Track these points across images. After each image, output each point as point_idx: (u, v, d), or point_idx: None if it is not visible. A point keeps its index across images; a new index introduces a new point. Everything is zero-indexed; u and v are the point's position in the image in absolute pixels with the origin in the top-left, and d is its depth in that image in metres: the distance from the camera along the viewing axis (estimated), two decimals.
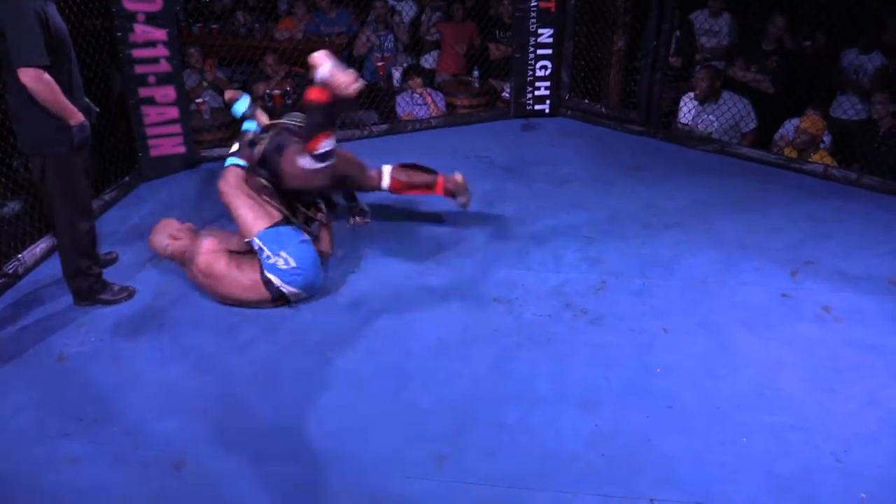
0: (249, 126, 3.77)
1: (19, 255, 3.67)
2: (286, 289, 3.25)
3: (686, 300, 3.38)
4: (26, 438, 2.61)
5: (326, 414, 2.71)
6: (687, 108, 5.25)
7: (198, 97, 5.51)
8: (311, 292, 3.37)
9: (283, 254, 3.23)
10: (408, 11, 6.93)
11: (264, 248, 3.23)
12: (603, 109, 5.65)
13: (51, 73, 2.84)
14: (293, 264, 3.23)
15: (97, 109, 3.36)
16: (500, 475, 2.43)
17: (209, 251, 3.26)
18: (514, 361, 2.97)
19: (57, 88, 2.86)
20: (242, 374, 2.93)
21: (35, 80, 2.79)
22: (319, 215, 3.59)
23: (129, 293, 3.43)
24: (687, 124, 5.25)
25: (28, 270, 3.66)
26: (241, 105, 3.85)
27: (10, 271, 3.57)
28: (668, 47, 5.19)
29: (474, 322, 3.23)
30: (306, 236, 3.39)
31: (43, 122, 2.94)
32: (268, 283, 3.23)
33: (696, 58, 5.77)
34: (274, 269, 3.22)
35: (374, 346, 3.08)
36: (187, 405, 2.76)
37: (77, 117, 2.97)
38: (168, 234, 3.31)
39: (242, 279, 3.26)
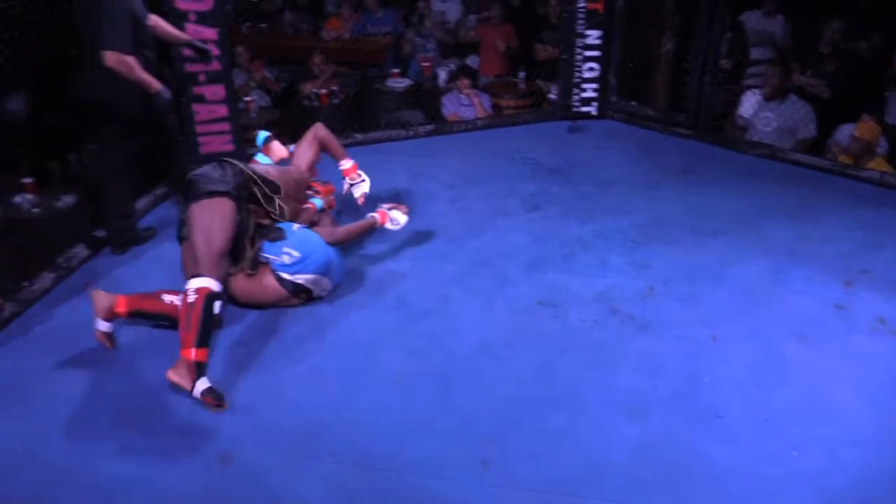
0: (259, 158, 3.78)
1: (72, 249, 3.76)
2: (300, 279, 3.26)
3: (735, 308, 3.32)
4: (77, 428, 2.67)
5: (371, 414, 2.72)
6: (749, 103, 5.13)
7: (246, 96, 5.58)
8: (333, 278, 3.37)
9: (284, 249, 3.24)
10: (455, 12, 6.93)
11: (267, 256, 3.25)
12: (650, 112, 5.58)
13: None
14: (296, 255, 3.23)
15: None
16: (544, 481, 2.41)
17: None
18: (560, 366, 2.95)
19: (137, 66, 3.38)
20: (289, 372, 2.95)
21: (117, 61, 3.32)
22: (309, 204, 3.60)
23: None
24: (746, 119, 5.13)
25: (81, 263, 3.75)
26: (259, 139, 3.88)
27: (65, 264, 3.66)
28: (719, 49, 5.10)
29: (519, 325, 3.21)
30: (300, 224, 3.41)
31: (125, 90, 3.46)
32: (281, 280, 3.26)
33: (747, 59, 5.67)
34: (282, 267, 3.24)
35: (419, 346, 3.08)
36: (234, 400, 2.79)
37: (155, 85, 3.49)
38: None
39: (259, 287, 3.26)
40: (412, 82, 6.21)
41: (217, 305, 2.89)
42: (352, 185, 3.81)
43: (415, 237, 3.93)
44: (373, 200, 3.87)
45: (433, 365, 2.97)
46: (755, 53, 5.82)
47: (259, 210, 3.28)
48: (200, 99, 4.68)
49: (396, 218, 3.62)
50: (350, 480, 2.43)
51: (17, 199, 4.20)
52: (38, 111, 4.43)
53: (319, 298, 3.37)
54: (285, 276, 3.24)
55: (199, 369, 2.76)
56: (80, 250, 3.78)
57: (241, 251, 3.20)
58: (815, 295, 3.39)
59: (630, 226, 4.05)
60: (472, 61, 6.51)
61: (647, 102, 5.69)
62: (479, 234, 4.01)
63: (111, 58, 3.31)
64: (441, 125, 5.68)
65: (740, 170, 4.81)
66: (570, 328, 3.19)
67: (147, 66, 3.51)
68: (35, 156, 3.93)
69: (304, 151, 3.69)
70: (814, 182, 4.60)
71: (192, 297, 2.83)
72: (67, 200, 4.27)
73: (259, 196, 3.26)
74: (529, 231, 4.03)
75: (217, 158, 3.32)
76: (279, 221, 3.34)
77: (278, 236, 3.25)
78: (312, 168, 3.72)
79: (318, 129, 3.75)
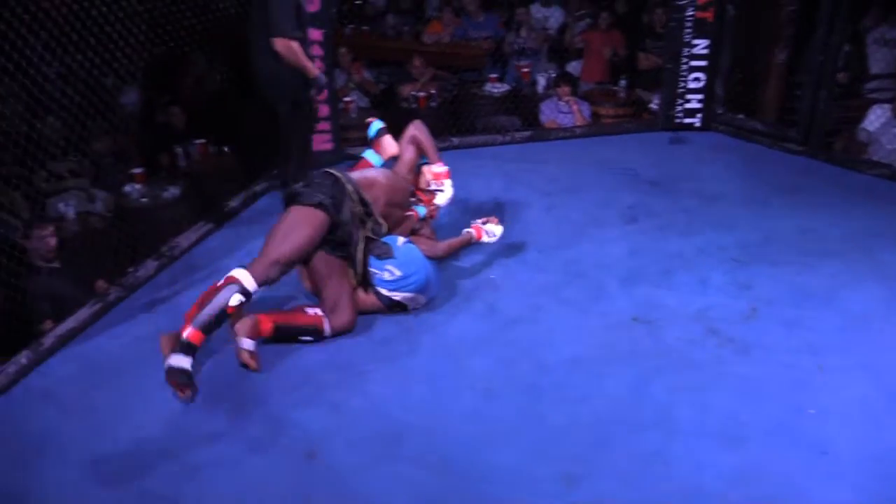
0: (369, 156, 3.72)
1: (176, 238, 3.89)
2: (398, 296, 3.24)
3: (845, 337, 3.11)
4: (172, 412, 2.75)
5: (456, 420, 2.69)
6: (875, 116, 4.83)
7: (345, 96, 5.67)
8: (429, 294, 3.33)
9: (387, 266, 3.20)
10: (558, 18, 6.85)
11: (371, 270, 3.22)
12: (759, 126, 5.34)
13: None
14: (398, 273, 3.20)
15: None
16: None
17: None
18: (653, 386, 2.84)
19: (300, 51, 3.72)
20: (377, 371, 2.96)
21: (284, 47, 3.64)
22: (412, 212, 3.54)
23: None
24: (870, 134, 4.84)
25: (183, 252, 3.88)
26: (371, 129, 3.80)
27: (167, 252, 3.79)
28: (836, 62, 4.84)
29: (612, 340, 3.12)
30: (405, 238, 3.36)
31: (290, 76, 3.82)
32: (378, 295, 3.25)
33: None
34: (381, 283, 3.22)
35: (509, 355, 3.03)
36: (322, 396, 2.81)
37: (314, 72, 3.87)
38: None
39: (357, 297, 3.26)
40: (510, 87, 6.17)
41: (235, 298, 2.83)
42: (435, 190, 3.68)
43: (507, 245, 3.88)
44: (465, 204, 3.84)
45: (522, 375, 2.92)
46: (876, 67, 5.50)
47: (364, 226, 3.25)
48: None
49: (492, 230, 3.57)
50: (431, 486, 2.41)
51: (127, 188, 4.40)
52: (149, 105, 4.64)
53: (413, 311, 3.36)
54: (384, 291, 3.23)
55: (183, 347, 2.75)
56: (183, 240, 3.91)
57: (352, 264, 3.21)
58: None
59: (733, 243, 3.87)
60: (572, 68, 6.41)
61: (756, 115, 5.45)
62: (574, 244, 3.92)
63: (280, 44, 3.63)
64: (538, 131, 5.62)
65: (855, 189, 4.54)
66: (665, 347, 3.07)
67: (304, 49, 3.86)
68: (145, 148, 4.10)
69: (404, 153, 3.64)
70: None
71: (220, 282, 2.89)
72: (174, 192, 4.44)
73: (359, 213, 3.22)
74: (626, 244, 3.91)
75: (323, 168, 3.32)
76: (380, 237, 3.29)
77: (386, 253, 3.21)
78: (412, 170, 3.66)
79: (414, 128, 3.61)
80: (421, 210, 3.59)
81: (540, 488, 2.38)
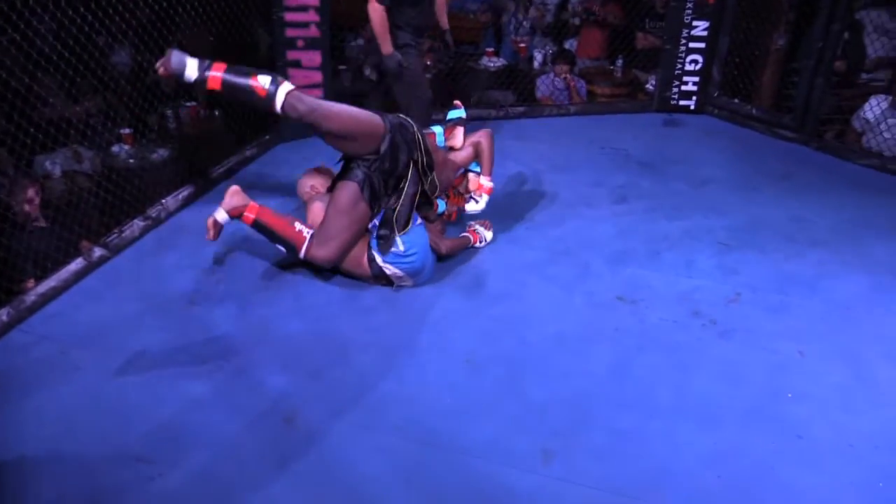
0: (437, 132, 3.65)
1: (163, 200, 3.86)
2: (389, 270, 3.23)
3: (827, 324, 3.13)
4: (153, 375, 2.75)
5: (437, 391, 2.70)
6: (873, 104, 4.82)
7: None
8: (417, 280, 3.31)
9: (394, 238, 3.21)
10: None
11: (374, 234, 3.22)
12: (753, 111, 5.33)
13: (392, 13, 3.87)
14: (401, 249, 3.19)
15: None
16: (608, 481, 2.34)
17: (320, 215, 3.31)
18: (634, 365, 2.85)
19: (381, 22, 3.82)
20: (361, 340, 2.96)
21: (372, 10, 3.78)
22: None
23: None
24: (866, 122, 4.83)
25: (170, 215, 3.85)
26: (452, 113, 3.76)
27: (154, 215, 3.76)
28: (836, 50, 4.81)
29: (595, 319, 3.13)
30: (421, 219, 3.36)
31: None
32: (371, 260, 3.23)
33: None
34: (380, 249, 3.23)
35: (492, 330, 3.04)
36: (304, 363, 2.82)
37: (387, 49, 3.91)
38: (310, 185, 3.56)
39: (353, 254, 3.25)
40: (506, 62, 6.11)
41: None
42: (470, 197, 3.72)
43: (496, 221, 3.86)
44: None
45: (505, 350, 2.92)
46: (873, 55, 5.46)
47: (424, 177, 3.29)
48: (296, 64, 4.73)
49: (484, 235, 3.64)
50: (410, 456, 2.42)
51: (115, 148, 4.35)
52: (139, 66, 4.57)
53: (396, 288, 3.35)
54: (377, 258, 3.22)
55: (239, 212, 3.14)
56: (171, 202, 3.88)
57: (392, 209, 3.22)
58: None
59: (721, 227, 3.88)
60: (569, 45, 6.35)
61: (751, 101, 5.43)
62: (562, 222, 3.92)
63: (369, 5, 3.79)
64: (532, 107, 5.58)
65: (846, 179, 4.54)
66: (648, 327, 3.08)
67: (414, 30, 4.02)
68: (134, 108, 4.04)
69: (462, 150, 3.66)
70: None
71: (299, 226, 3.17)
72: (162, 153, 4.39)
73: (422, 163, 3.25)
74: (615, 224, 3.91)
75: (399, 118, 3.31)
76: (430, 197, 3.35)
77: (385, 247, 3.20)
78: (460, 168, 3.68)
79: (485, 135, 3.67)
80: (442, 204, 3.60)
81: (517, 461, 2.40)
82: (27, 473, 2.31)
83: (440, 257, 3.45)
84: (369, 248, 3.24)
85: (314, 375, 2.76)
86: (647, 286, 3.36)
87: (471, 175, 3.71)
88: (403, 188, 3.20)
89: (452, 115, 3.73)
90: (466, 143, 3.65)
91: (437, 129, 3.66)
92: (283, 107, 2.93)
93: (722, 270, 3.50)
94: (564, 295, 3.29)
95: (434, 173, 3.34)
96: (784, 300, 3.28)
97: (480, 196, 3.66)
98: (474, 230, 3.64)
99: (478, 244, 3.62)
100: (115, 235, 3.54)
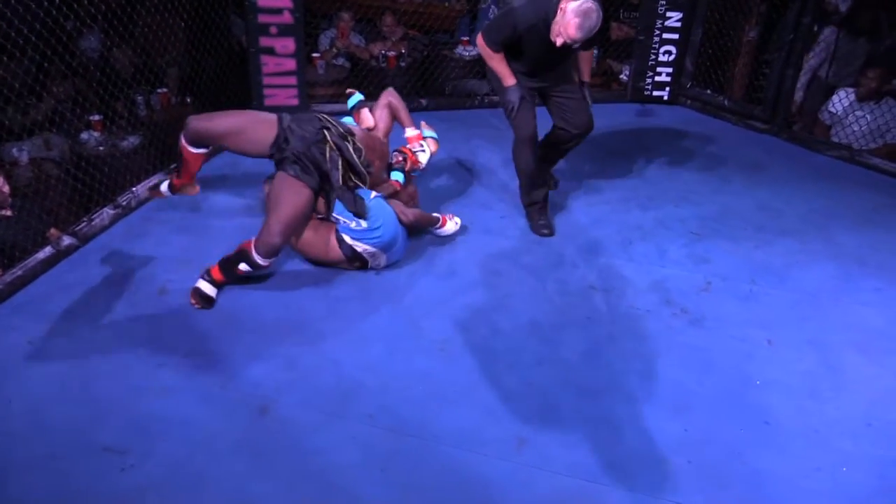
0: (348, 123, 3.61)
1: (133, 188, 3.81)
2: (360, 247, 3.24)
3: (795, 313, 3.19)
4: (123, 365, 2.72)
5: (410, 380, 2.71)
6: (839, 99, 4.89)
7: (332, 59, 5.59)
8: (392, 255, 3.33)
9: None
10: None
11: (338, 217, 3.22)
12: (725, 102, 5.38)
13: (509, 55, 3.52)
14: (364, 225, 3.21)
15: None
16: (579, 467, 2.37)
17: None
18: (606, 353, 2.88)
19: (495, 57, 3.51)
20: (333, 329, 2.95)
21: (481, 47, 3.51)
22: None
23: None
24: (834, 115, 4.89)
25: (140, 203, 3.80)
26: (351, 100, 3.77)
27: (124, 203, 3.72)
28: (806, 42, 4.87)
29: (568, 307, 3.15)
30: (378, 193, 3.36)
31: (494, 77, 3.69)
32: (340, 241, 3.24)
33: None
34: (346, 230, 3.23)
35: (465, 318, 3.05)
36: (277, 352, 2.81)
37: (508, 82, 3.54)
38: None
39: (319, 241, 3.26)
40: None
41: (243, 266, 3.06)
42: (414, 152, 3.75)
43: (470, 209, 3.88)
44: (430, 167, 3.81)
45: (478, 338, 2.94)
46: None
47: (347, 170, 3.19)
48: (270, 51, 4.69)
49: (449, 229, 3.65)
50: (383, 444, 2.43)
51: (84, 135, 4.27)
52: (109, 51, 4.50)
53: (372, 269, 3.35)
54: (346, 238, 3.22)
55: (208, 276, 3.07)
56: (141, 190, 3.83)
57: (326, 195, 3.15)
58: (884, 307, 3.24)
59: (693, 217, 3.92)
60: None
61: (723, 92, 5.48)
62: None
63: (479, 41, 3.54)
64: None
65: (815, 170, 4.61)
66: (620, 315, 3.11)
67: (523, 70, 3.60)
68: (104, 95, 3.98)
69: (380, 120, 3.63)
70: (893, 189, 4.38)
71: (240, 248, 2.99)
72: (133, 141, 4.33)
73: (349, 154, 3.14)
74: (588, 213, 3.93)
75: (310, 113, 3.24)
76: (362, 184, 3.24)
77: (360, 211, 3.17)
78: (387, 135, 3.66)
79: (390, 95, 3.66)
80: (400, 176, 3.58)
81: (490, 449, 2.42)
82: None
83: (409, 230, 3.45)
84: (336, 231, 3.24)
85: (287, 365, 2.75)
86: (619, 275, 3.38)
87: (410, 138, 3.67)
88: (328, 170, 3.07)
89: (352, 101, 3.74)
90: (378, 111, 3.64)
91: (346, 120, 3.65)
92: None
93: (693, 259, 3.54)
94: (537, 283, 3.31)
95: (363, 153, 3.22)
96: (753, 289, 3.33)
97: (421, 145, 3.63)
98: (446, 218, 3.64)
99: (441, 232, 3.62)
100: (85, 224, 3.49)
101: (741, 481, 2.35)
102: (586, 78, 3.92)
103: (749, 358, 2.90)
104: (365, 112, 3.65)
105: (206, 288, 3.05)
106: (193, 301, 3.04)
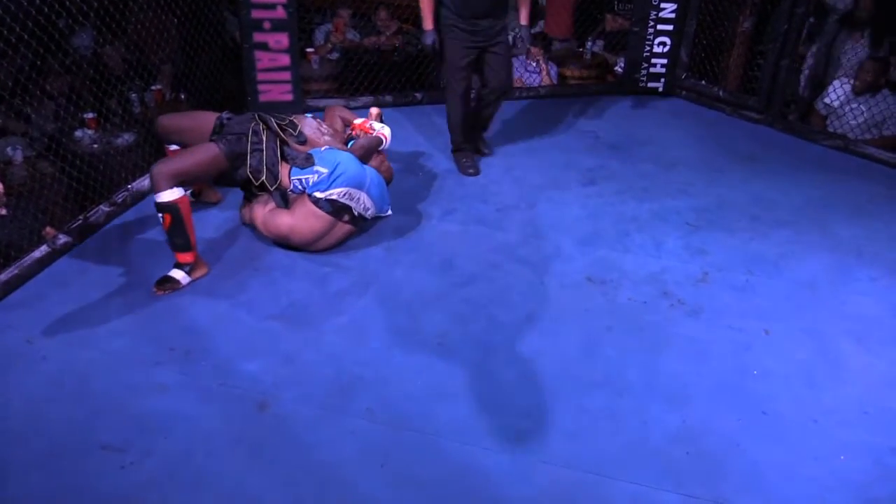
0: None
1: (129, 186, 3.80)
2: (334, 194, 3.28)
3: (792, 303, 3.19)
4: (120, 363, 2.72)
5: (409, 374, 2.71)
6: (837, 92, 4.89)
7: (327, 54, 5.58)
8: (371, 192, 3.41)
9: (315, 169, 3.31)
10: None
11: (300, 178, 3.31)
12: (720, 93, 5.38)
13: None
14: (324, 171, 3.28)
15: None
16: (578, 459, 2.37)
17: (261, 216, 3.40)
18: (604, 345, 2.89)
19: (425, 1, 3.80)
20: (331, 323, 2.95)
21: None
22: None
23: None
24: (830, 107, 4.89)
25: (136, 201, 3.80)
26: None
27: (119, 200, 3.71)
28: (800, 33, 4.87)
29: (566, 300, 3.15)
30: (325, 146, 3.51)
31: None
32: (317, 202, 3.28)
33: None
34: (314, 186, 3.29)
35: (463, 311, 3.05)
36: (276, 348, 2.80)
37: (426, 26, 3.87)
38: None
39: (302, 217, 3.30)
40: None
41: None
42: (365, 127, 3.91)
43: (467, 202, 3.88)
44: (422, 159, 3.82)
45: (476, 331, 2.94)
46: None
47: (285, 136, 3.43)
48: (263, 46, 4.67)
49: (386, 133, 3.81)
50: (382, 438, 2.43)
51: (79, 133, 4.26)
52: (102, 49, 4.48)
53: (365, 221, 3.43)
54: (318, 194, 3.28)
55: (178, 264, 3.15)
56: (137, 187, 3.82)
57: (273, 179, 3.33)
58: (879, 297, 3.24)
59: (689, 209, 3.92)
60: (539, 27, 6.34)
61: (718, 83, 5.48)
62: (533, 204, 3.93)
63: None
64: None
65: (810, 160, 4.61)
66: (617, 307, 3.12)
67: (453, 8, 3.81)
68: (98, 92, 3.96)
69: (333, 124, 3.87)
70: (888, 179, 4.39)
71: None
72: (127, 138, 4.32)
73: (278, 127, 3.41)
74: (584, 206, 3.93)
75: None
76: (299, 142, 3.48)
77: (307, 163, 3.33)
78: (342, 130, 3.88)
79: (335, 109, 3.96)
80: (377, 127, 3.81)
81: (489, 443, 2.42)
82: None
83: (363, 160, 3.55)
84: (309, 196, 3.30)
85: (285, 360, 2.75)
86: (616, 267, 3.39)
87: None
88: (262, 147, 3.32)
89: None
90: (330, 120, 3.88)
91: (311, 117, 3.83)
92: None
93: (689, 251, 3.54)
94: (535, 276, 3.31)
95: (298, 128, 3.55)
96: (750, 280, 3.34)
97: (369, 124, 3.80)
98: (367, 127, 3.78)
99: (384, 134, 3.78)
100: (81, 222, 3.48)
101: (739, 471, 2.36)
102: (524, 21, 4.12)
103: (746, 348, 2.91)
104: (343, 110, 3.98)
105: (177, 274, 3.13)
106: (157, 289, 3.10)
